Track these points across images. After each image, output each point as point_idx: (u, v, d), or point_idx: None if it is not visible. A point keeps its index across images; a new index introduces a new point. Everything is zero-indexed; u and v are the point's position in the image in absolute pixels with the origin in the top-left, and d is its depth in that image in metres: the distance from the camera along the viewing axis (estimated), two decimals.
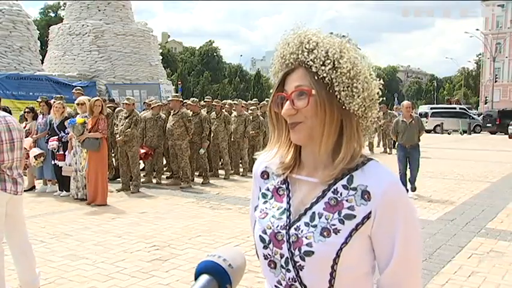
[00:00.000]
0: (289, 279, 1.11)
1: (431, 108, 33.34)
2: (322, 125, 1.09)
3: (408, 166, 8.46)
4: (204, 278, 0.94)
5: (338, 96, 1.08)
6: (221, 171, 10.99)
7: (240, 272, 0.99)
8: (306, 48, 1.08)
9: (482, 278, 4.46)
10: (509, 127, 25.86)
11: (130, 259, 4.93)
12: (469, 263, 4.91)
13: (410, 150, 8.31)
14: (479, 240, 5.72)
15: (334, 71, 1.07)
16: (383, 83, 1.15)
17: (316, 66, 1.07)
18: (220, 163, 11.18)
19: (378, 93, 1.12)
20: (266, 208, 1.19)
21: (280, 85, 1.13)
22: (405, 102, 8.81)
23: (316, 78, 1.08)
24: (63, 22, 23.24)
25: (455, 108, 34.46)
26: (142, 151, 9.20)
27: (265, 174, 1.25)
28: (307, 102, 1.08)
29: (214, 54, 72.74)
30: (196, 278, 0.95)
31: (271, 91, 1.18)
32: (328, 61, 1.06)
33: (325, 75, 1.07)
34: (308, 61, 1.07)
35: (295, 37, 1.11)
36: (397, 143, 8.84)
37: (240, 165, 11.21)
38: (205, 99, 11.94)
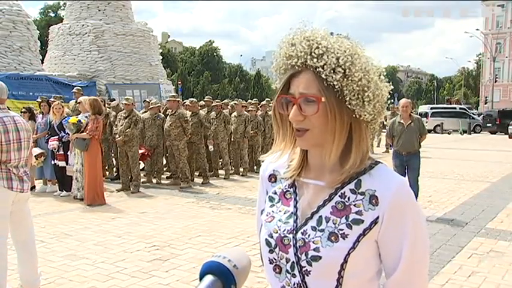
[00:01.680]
0: (294, 284, 1.09)
1: (431, 108, 33.31)
2: (333, 132, 1.06)
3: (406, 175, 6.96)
4: (209, 278, 0.94)
5: (348, 104, 1.05)
6: (221, 171, 10.99)
7: (245, 273, 0.99)
8: (315, 53, 1.03)
9: (482, 278, 4.46)
10: (509, 127, 25.85)
11: (131, 259, 4.93)
12: (469, 263, 4.90)
13: (407, 158, 6.90)
14: (479, 240, 5.72)
15: (345, 79, 1.03)
16: (393, 87, 1.12)
17: (326, 74, 1.02)
18: (220, 163, 11.18)
19: (387, 96, 1.09)
20: (273, 212, 1.17)
21: (285, 86, 1.09)
22: (402, 101, 7.27)
23: (325, 84, 1.03)
24: (63, 22, 23.29)
25: (455, 108, 34.44)
26: (140, 151, 9.20)
27: (272, 178, 1.23)
28: (316, 110, 1.04)
29: (214, 54, 72.73)
30: (201, 279, 0.95)
31: (275, 86, 1.15)
32: (339, 69, 1.02)
33: (335, 83, 1.03)
34: (317, 67, 1.03)
35: (303, 40, 1.06)
36: (392, 148, 7.39)
37: (240, 165, 11.22)
38: (205, 99, 11.99)
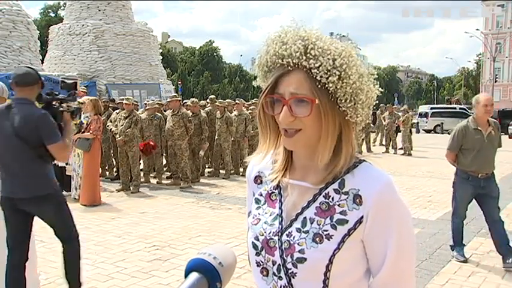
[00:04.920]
0: (281, 286, 1.09)
1: (431, 108, 33.31)
2: (326, 134, 1.05)
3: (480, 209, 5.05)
4: (194, 276, 0.94)
5: (340, 106, 1.04)
6: (221, 171, 10.98)
7: (230, 270, 0.99)
8: (310, 54, 1.02)
9: (482, 278, 4.46)
10: (509, 127, 25.87)
11: (130, 259, 4.93)
12: (469, 263, 4.91)
13: (485, 183, 4.84)
14: (479, 240, 5.72)
15: (340, 81, 1.02)
16: (381, 90, 1.12)
17: (320, 75, 1.01)
18: (220, 163, 11.17)
19: (375, 98, 1.09)
20: (259, 214, 1.17)
21: (271, 86, 1.06)
22: (484, 97, 4.88)
23: (318, 85, 1.02)
24: (63, 22, 23.29)
25: (455, 108, 34.42)
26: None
27: (258, 179, 1.23)
28: (309, 111, 1.02)
29: (214, 54, 72.73)
30: (186, 276, 0.95)
31: (257, 84, 1.11)
32: (335, 71, 1.01)
33: (330, 85, 1.01)
34: (312, 68, 1.01)
35: (297, 39, 1.04)
36: (456, 169, 5.11)
37: (240, 165, 11.20)
38: (210, 97, 11.99)
